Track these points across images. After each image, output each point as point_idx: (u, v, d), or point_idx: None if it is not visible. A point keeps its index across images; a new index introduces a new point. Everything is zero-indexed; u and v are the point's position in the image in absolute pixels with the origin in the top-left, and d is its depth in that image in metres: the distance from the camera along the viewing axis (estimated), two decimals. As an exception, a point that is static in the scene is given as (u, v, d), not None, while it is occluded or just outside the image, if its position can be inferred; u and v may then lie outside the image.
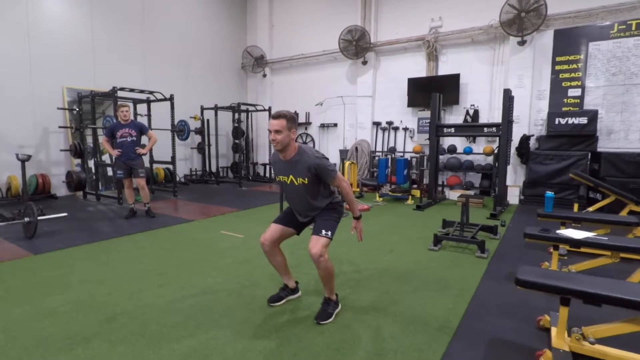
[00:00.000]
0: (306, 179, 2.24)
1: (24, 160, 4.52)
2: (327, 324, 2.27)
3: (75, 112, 6.82)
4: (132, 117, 5.24)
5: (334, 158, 8.95)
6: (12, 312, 2.42)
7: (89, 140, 6.97)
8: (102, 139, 5.49)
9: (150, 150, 6.75)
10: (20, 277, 3.02)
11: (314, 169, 2.20)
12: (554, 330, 1.97)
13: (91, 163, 6.96)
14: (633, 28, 6.04)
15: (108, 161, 7.06)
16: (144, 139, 5.41)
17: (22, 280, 2.96)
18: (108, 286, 2.84)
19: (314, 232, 2.28)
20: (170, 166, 7.20)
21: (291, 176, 2.28)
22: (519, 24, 6.52)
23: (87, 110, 6.86)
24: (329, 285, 2.35)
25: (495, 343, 2.09)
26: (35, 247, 3.77)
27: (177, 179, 7.81)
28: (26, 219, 4.07)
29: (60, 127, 6.76)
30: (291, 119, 2.22)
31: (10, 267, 3.24)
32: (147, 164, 6.77)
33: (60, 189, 6.86)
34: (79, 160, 6.89)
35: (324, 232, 2.24)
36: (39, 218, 4.05)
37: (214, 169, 9.43)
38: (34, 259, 3.47)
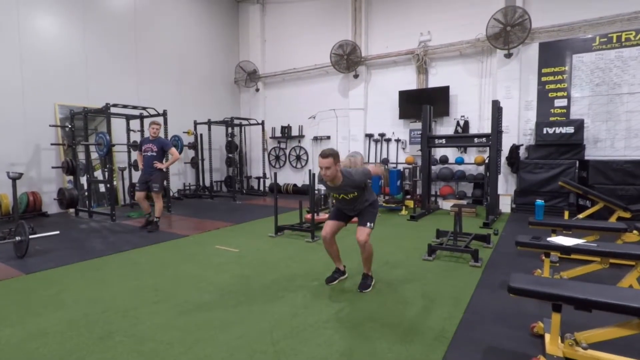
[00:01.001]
0: (355, 193, 2.94)
1: (14, 179, 4.49)
2: (368, 292, 2.95)
3: (67, 129, 6.81)
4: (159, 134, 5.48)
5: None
6: (3, 333, 2.38)
7: (81, 156, 6.94)
8: (137, 153, 6.05)
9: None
10: (12, 297, 2.98)
11: (359, 184, 2.91)
12: (547, 337, 2.00)
13: (83, 180, 6.92)
14: (614, 40, 6.26)
15: (100, 177, 7.04)
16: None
17: (13, 301, 2.91)
18: (102, 304, 2.81)
19: (360, 223, 2.97)
20: (164, 181, 7.17)
21: (342, 195, 2.96)
22: (505, 37, 6.72)
23: (80, 126, 6.86)
24: (369, 264, 3.05)
25: (491, 351, 2.11)
26: (26, 267, 3.72)
27: (171, 194, 7.79)
28: (17, 238, 4.02)
29: (52, 144, 6.74)
30: (336, 155, 2.81)
31: (1, 287, 3.19)
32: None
33: (51, 206, 6.79)
34: (70, 177, 6.85)
35: (368, 224, 2.95)
36: (30, 237, 4.01)
37: (207, 184, 9.42)
38: (26, 278, 3.43)
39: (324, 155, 2.77)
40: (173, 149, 5.54)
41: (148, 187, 5.34)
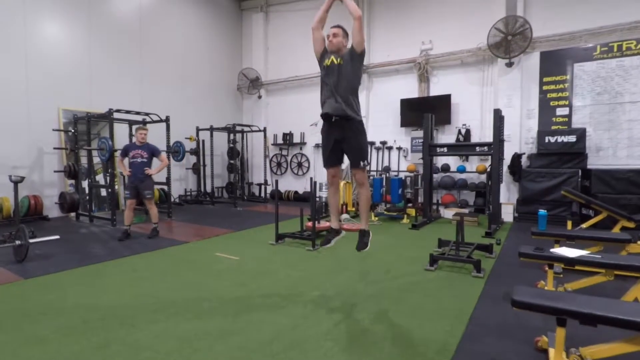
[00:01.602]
0: (343, 60, 2.75)
1: (16, 182, 4.48)
2: (366, 251, 2.89)
3: (70, 133, 6.83)
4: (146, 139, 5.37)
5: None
6: (1, 339, 2.35)
7: (84, 161, 6.95)
8: (118, 158, 5.68)
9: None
10: (10, 303, 2.95)
11: (353, 48, 2.76)
12: (551, 352, 1.96)
13: (85, 184, 6.92)
14: (615, 50, 6.27)
15: (102, 182, 7.04)
16: (156, 162, 5.51)
17: (11, 306, 2.89)
18: (101, 311, 2.78)
19: (353, 164, 2.85)
20: (165, 187, 7.18)
21: (332, 56, 2.78)
22: (506, 46, 6.74)
23: (83, 131, 6.88)
24: (365, 214, 2.97)
25: (494, 365, 2.07)
26: (26, 271, 3.70)
27: (172, 199, 7.78)
28: (17, 242, 4.00)
29: (55, 148, 6.75)
30: (345, 30, 2.84)
31: (0, 292, 3.17)
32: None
33: (52, 210, 6.79)
34: (72, 182, 6.85)
35: (361, 163, 2.82)
36: (30, 241, 3.99)
37: (209, 189, 9.40)
38: (25, 283, 3.41)
39: (335, 26, 2.82)
40: (162, 155, 5.45)
41: (138, 194, 5.20)
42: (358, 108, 2.83)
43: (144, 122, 7.29)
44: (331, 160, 2.95)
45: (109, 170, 6.20)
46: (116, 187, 7.04)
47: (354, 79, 2.81)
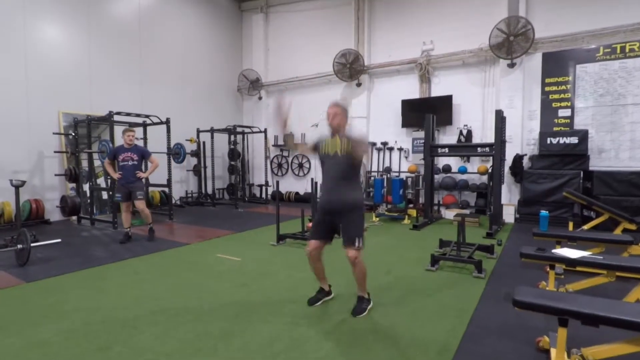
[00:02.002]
0: (346, 153, 2.64)
1: (17, 186, 4.50)
2: (363, 316, 2.67)
3: (71, 136, 6.85)
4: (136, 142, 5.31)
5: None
6: (2, 343, 2.36)
7: (85, 164, 6.97)
8: (105, 161, 5.51)
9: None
10: (12, 306, 2.96)
11: (358, 143, 2.61)
12: (553, 352, 1.96)
13: (86, 187, 6.94)
14: (618, 51, 6.26)
15: (104, 185, 7.04)
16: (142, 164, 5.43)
17: (13, 310, 2.89)
18: (102, 314, 2.79)
19: (346, 243, 2.64)
20: (166, 189, 7.19)
21: (335, 148, 2.69)
22: (508, 47, 6.73)
23: (83, 134, 6.89)
24: (362, 284, 2.76)
25: (495, 366, 2.06)
26: (27, 275, 3.71)
27: (173, 201, 7.79)
28: (19, 246, 4.01)
29: (55, 151, 6.77)
30: (345, 109, 2.78)
31: (2, 296, 3.18)
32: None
33: (54, 213, 6.80)
34: (73, 185, 6.87)
35: (356, 242, 2.63)
36: (32, 245, 4.00)
37: (210, 191, 9.41)
38: (27, 287, 3.41)
39: (332, 104, 2.75)
40: (153, 157, 5.37)
41: (130, 196, 5.10)
42: (359, 188, 2.80)
43: (144, 124, 7.33)
44: (319, 234, 2.78)
45: (111, 173, 6.21)
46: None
47: (355, 167, 2.73)
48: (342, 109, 2.73)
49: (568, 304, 1.78)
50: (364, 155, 2.69)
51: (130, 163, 5.09)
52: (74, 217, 6.78)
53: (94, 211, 6.71)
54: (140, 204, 5.12)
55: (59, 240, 4.43)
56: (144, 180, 5.22)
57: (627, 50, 6.20)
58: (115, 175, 5.10)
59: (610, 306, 1.76)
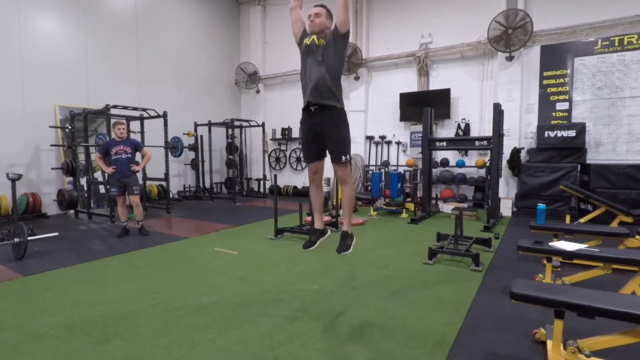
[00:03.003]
0: (325, 40, 2.49)
1: (14, 180, 4.48)
2: (347, 254, 2.58)
3: (67, 130, 6.80)
4: (127, 135, 5.25)
5: (328, 172, 8.98)
6: (1, 336, 2.36)
7: (81, 158, 6.93)
8: (95, 156, 5.46)
9: (144, 167, 6.73)
10: (9, 300, 2.96)
11: (336, 30, 2.49)
12: (549, 344, 1.97)
13: (83, 181, 6.91)
14: (616, 44, 6.24)
15: (100, 179, 7.02)
16: (138, 156, 5.40)
17: (11, 303, 2.89)
18: (100, 307, 2.79)
19: (334, 159, 2.57)
20: (164, 183, 7.17)
21: (314, 36, 2.53)
22: (507, 40, 6.70)
23: (80, 128, 6.85)
24: (348, 212, 2.67)
25: (492, 357, 2.08)
26: (25, 269, 3.70)
27: (171, 195, 7.77)
28: (16, 240, 4.00)
29: (52, 145, 6.72)
30: (329, 11, 2.60)
31: None
32: (140, 180, 6.74)
33: (51, 207, 6.78)
34: (70, 179, 6.84)
35: (343, 158, 2.55)
36: (29, 238, 3.99)
37: (207, 185, 9.40)
38: (24, 280, 3.41)
39: (317, 5, 2.56)
40: (145, 149, 5.34)
41: (125, 190, 5.08)
42: (340, 95, 2.56)
43: (142, 117, 7.28)
44: (311, 154, 2.68)
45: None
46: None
47: (337, 63, 2.52)
48: (327, 10, 2.57)
49: (564, 296, 1.79)
50: (344, 14, 2.44)
51: (124, 156, 5.05)
52: (72, 211, 6.76)
53: (92, 205, 6.69)
54: (136, 199, 5.10)
55: (56, 233, 4.42)
56: (140, 173, 5.16)
57: (625, 42, 6.18)
58: (109, 170, 5.04)
59: (606, 298, 1.77)
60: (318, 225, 2.74)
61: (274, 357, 2.08)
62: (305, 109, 2.57)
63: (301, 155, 9.80)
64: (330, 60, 2.48)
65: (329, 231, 2.81)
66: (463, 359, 2.06)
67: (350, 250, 2.57)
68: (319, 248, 2.69)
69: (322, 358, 2.08)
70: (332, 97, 2.49)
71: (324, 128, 2.54)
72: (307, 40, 2.56)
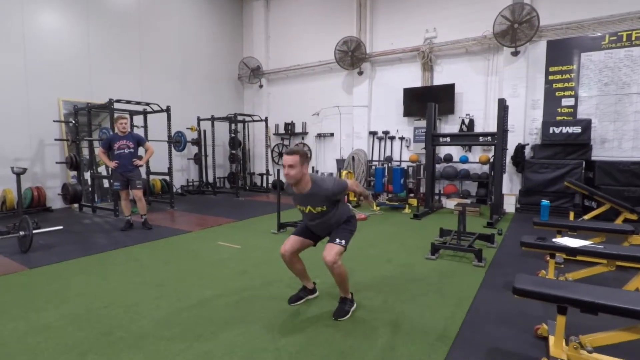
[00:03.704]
0: (325, 207, 2.45)
1: (19, 174, 4.51)
2: (345, 319, 2.46)
3: (71, 124, 6.82)
4: (129, 129, 5.26)
5: (331, 168, 8.99)
6: (6, 327, 2.39)
7: (85, 152, 6.96)
8: (98, 150, 5.47)
9: (147, 162, 6.75)
10: (15, 292, 2.99)
11: (332, 196, 2.42)
12: (551, 339, 1.97)
13: (87, 175, 6.94)
14: (624, 39, 6.16)
15: (104, 173, 7.05)
16: (141, 151, 5.41)
17: (16, 295, 2.92)
18: (104, 299, 2.81)
19: (330, 240, 2.47)
20: (167, 177, 7.19)
21: (309, 207, 2.48)
22: (512, 35, 6.64)
23: (84, 122, 6.87)
24: (344, 287, 2.53)
25: (493, 352, 2.08)
26: (30, 261, 3.74)
27: (174, 189, 7.80)
28: (21, 233, 4.04)
29: (56, 139, 6.75)
30: (304, 155, 2.38)
31: (5, 282, 3.21)
32: (143, 175, 6.76)
33: (55, 201, 6.82)
34: (74, 173, 6.87)
35: (338, 240, 2.43)
36: (34, 231, 4.02)
37: (210, 180, 9.42)
38: (29, 273, 3.44)
39: (289, 152, 2.35)
40: (148, 144, 5.34)
41: (128, 184, 5.08)
42: (345, 209, 2.58)
43: (145, 112, 7.29)
44: (305, 233, 2.61)
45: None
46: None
47: (339, 210, 2.53)
48: (300, 157, 2.34)
49: (567, 291, 1.79)
50: (347, 189, 2.49)
51: (126, 151, 5.05)
52: (76, 205, 6.80)
53: (96, 199, 6.72)
54: (139, 193, 5.12)
55: (61, 227, 4.44)
56: (143, 167, 5.18)
57: (633, 38, 6.10)
58: (112, 164, 5.05)
59: (609, 294, 1.76)
60: (307, 285, 2.77)
61: (276, 350, 2.10)
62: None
63: (304, 149, 9.78)
64: (331, 214, 2.50)
65: (317, 292, 2.83)
66: (465, 354, 2.06)
67: (348, 316, 2.48)
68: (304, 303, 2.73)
69: (324, 352, 2.09)
70: (337, 224, 2.54)
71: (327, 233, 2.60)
72: (303, 209, 2.52)
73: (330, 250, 2.37)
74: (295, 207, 2.62)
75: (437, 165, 7.30)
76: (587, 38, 6.43)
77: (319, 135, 9.46)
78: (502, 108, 5.54)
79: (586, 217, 4.60)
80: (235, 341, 2.20)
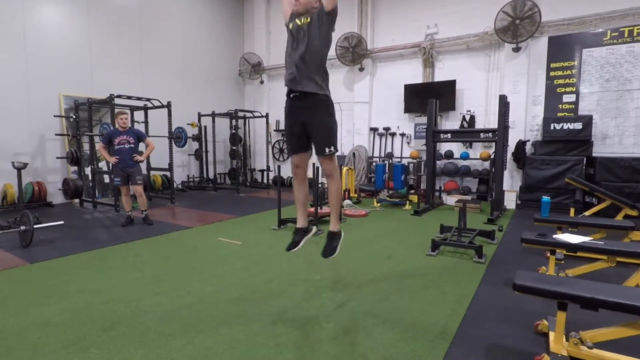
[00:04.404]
0: (310, 19, 2.25)
1: (20, 168, 4.51)
2: (335, 256, 2.42)
3: (72, 119, 6.81)
4: (130, 124, 5.26)
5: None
6: (7, 322, 2.40)
7: (86, 147, 6.96)
8: (99, 145, 5.47)
9: (148, 157, 6.75)
10: (16, 286, 3.00)
11: (318, 10, 2.26)
12: (552, 335, 1.98)
13: (88, 170, 6.94)
14: (625, 35, 6.13)
15: (105, 168, 7.05)
16: (142, 147, 5.41)
17: (17, 290, 2.93)
18: (105, 294, 2.82)
19: (318, 152, 2.35)
20: (168, 173, 7.19)
21: (299, 21, 2.29)
22: (514, 30, 6.60)
23: (84, 117, 6.86)
24: (336, 208, 2.48)
25: (493, 348, 2.09)
26: (31, 256, 3.74)
27: (175, 185, 7.80)
28: (22, 228, 4.05)
29: (56, 134, 6.75)
30: None
31: (6, 276, 3.21)
32: (144, 171, 6.77)
33: (56, 196, 6.83)
34: (75, 168, 6.87)
35: (327, 150, 2.33)
36: (35, 226, 4.03)
37: (211, 176, 9.42)
38: (30, 267, 3.45)
39: None
40: (149, 139, 5.34)
41: (128, 180, 5.10)
42: (324, 81, 2.34)
43: (145, 107, 7.27)
44: (295, 146, 2.45)
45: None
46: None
47: (320, 45, 2.28)
48: None
49: (567, 287, 1.79)
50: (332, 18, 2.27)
51: (127, 146, 5.05)
52: (76, 200, 6.81)
53: (96, 194, 6.73)
54: (139, 189, 5.13)
55: (61, 222, 4.45)
56: (144, 163, 5.18)
57: (635, 33, 6.07)
58: (112, 160, 5.05)
59: (609, 290, 1.76)
60: (301, 224, 2.59)
61: (276, 346, 2.10)
62: (288, 95, 2.38)
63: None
64: (312, 42, 2.24)
65: (314, 228, 2.67)
66: (465, 350, 2.07)
67: (337, 253, 2.39)
68: (304, 247, 2.58)
69: (324, 348, 2.09)
70: (312, 83, 2.27)
71: (306, 118, 2.34)
72: (292, 25, 2.34)
73: (325, 159, 2.34)
74: (287, 26, 2.39)
75: (438, 162, 7.29)
76: (589, 34, 6.40)
77: (320, 132, 9.42)
78: (503, 104, 5.53)
79: (587, 213, 4.60)
80: (235, 337, 2.20)
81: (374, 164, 8.00)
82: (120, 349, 2.07)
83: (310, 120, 2.34)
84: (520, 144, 6.72)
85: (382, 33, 8.43)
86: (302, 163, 2.50)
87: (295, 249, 2.53)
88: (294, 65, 2.28)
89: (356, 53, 8.36)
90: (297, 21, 2.29)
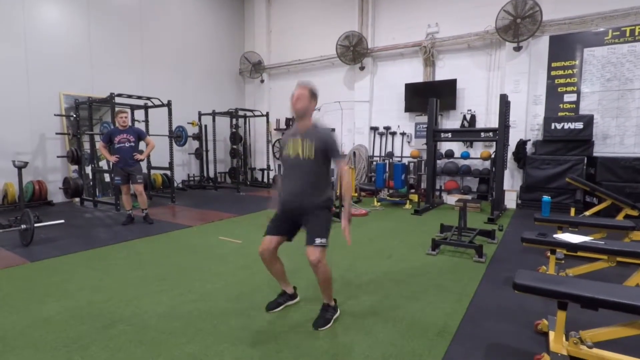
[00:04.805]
0: (312, 155, 2.26)
1: (20, 167, 4.52)
2: (326, 329, 2.28)
3: (72, 118, 6.81)
4: (130, 123, 5.25)
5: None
6: (8, 320, 2.40)
7: (86, 146, 6.96)
8: (99, 144, 5.47)
9: (148, 156, 6.75)
10: (17, 285, 3.00)
11: (326, 142, 2.28)
12: (552, 335, 1.98)
13: (88, 169, 6.95)
14: (627, 34, 6.12)
15: (105, 167, 7.05)
16: (142, 145, 5.41)
17: (18, 288, 2.94)
18: (106, 293, 2.82)
19: (308, 241, 2.25)
20: (168, 172, 7.19)
21: (299, 147, 2.29)
22: (515, 29, 6.59)
23: (85, 116, 6.86)
24: (328, 291, 2.37)
25: (493, 347, 2.09)
26: (31, 255, 3.75)
27: (175, 184, 7.80)
28: (23, 226, 4.05)
29: (57, 133, 6.75)
30: (313, 91, 2.36)
31: (7, 275, 3.22)
32: (144, 169, 6.77)
33: (57, 195, 6.83)
34: (75, 167, 6.88)
35: (318, 240, 2.22)
36: (36, 225, 4.03)
37: (211, 175, 9.42)
38: (31, 266, 3.45)
39: (301, 84, 2.34)
40: (149, 138, 5.33)
41: (129, 179, 5.09)
42: (329, 188, 2.38)
43: (146, 106, 7.27)
44: (277, 229, 2.41)
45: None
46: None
47: (324, 178, 2.36)
48: (310, 92, 2.33)
49: (568, 287, 1.79)
50: (341, 164, 2.34)
51: (127, 145, 5.04)
52: (77, 199, 6.81)
53: (97, 193, 6.73)
54: (139, 187, 5.12)
55: (62, 221, 4.46)
56: (144, 162, 5.18)
57: (636, 33, 6.05)
58: (112, 159, 5.04)
59: (609, 290, 1.76)
60: (287, 289, 2.63)
61: (276, 344, 2.11)
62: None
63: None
64: (314, 172, 2.29)
65: (298, 297, 2.68)
66: (465, 349, 2.07)
67: (329, 326, 2.30)
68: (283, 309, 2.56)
69: (325, 346, 2.10)
70: (318, 201, 2.30)
71: (302, 213, 2.33)
72: (290, 151, 2.33)
73: (312, 252, 2.21)
74: (282, 153, 2.42)
75: (438, 161, 7.28)
76: (590, 33, 6.39)
77: (320, 131, 9.42)
78: (504, 104, 5.52)
79: (587, 213, 4.60)
80: (235, 335, 2.21)
81: (374, 163, 8.00)
82: (121, 347, 2.08)
83: (308, 217, 2.32)
84: (521, 144, 6.72)
85: (383, 32, 8.41)
86: (276, 246, 2.43)
87: (276, 309, 2.53)
88: (294, 192, 2.33)
89: (357, 52, 8.35)
90: (300, 154, 2.29)
